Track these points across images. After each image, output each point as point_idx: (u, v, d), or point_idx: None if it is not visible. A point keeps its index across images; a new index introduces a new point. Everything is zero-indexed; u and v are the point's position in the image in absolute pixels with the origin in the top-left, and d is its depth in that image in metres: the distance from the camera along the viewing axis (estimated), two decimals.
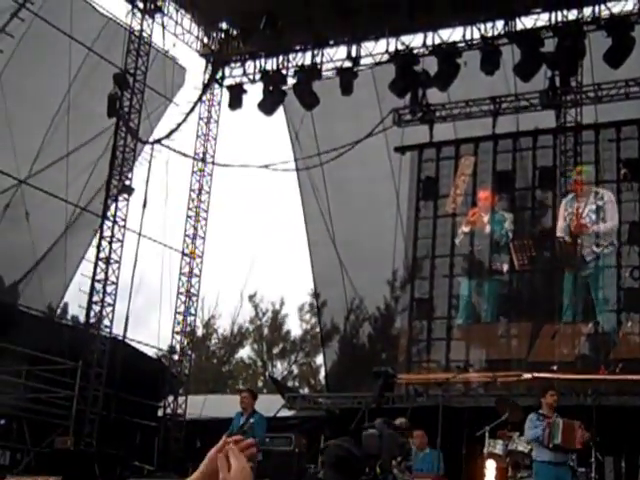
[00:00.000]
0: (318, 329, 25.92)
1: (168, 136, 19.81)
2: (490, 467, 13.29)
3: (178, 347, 20.99)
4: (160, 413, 20.67)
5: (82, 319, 19.06)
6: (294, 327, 38.17)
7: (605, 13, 17.87)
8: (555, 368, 16.92)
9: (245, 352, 38.49)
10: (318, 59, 20.12)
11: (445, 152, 20.07)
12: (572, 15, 18.23)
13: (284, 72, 20.44)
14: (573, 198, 18.46)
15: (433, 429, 13.20)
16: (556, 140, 19.02)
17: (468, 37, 18.86)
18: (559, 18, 18.24)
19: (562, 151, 18.86)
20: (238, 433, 12.39)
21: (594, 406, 12.95)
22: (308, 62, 20.22)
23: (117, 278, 18.83)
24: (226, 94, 21.40)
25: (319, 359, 33.24)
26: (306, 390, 33.23)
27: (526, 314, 18.56)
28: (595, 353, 17.76)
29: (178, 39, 21.38)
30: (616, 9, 17.81)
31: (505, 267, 18.90)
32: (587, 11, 18.05)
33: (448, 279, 19.33)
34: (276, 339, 37.15)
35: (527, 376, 16.44)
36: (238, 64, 21.39)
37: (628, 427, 14.52)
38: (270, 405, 17.89)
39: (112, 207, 19.09)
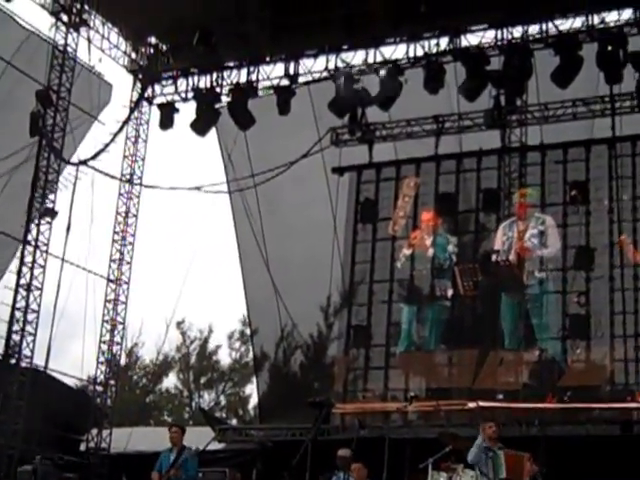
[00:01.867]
0: (247, 358, 25.48)
1: (94, 157, 19.38)
2: None
3: (102, 377, 20.22)
4: (83, 447, 19.84)
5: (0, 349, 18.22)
6: (223, 355, 37.55)
7: (552, 31, 17.75)
8: (501, 397, 16.55)
9: (171, 382, 37.81)
10: (254, 77, 19.75)
11: (385, 173, 19.73)
12: (518, 33, 18.08)
13: (218, 90, 20.00)
14: (513, 222, 18.14)
15: (371, 461, 12.84)
16: (501, 161, 18.81)
17: (411, 54, 18.59)
18: (505, 36, 18.10)
19: (507, 172, 18.64)
20: (170, 470, 12.33)
21: (540, 436, 12.65)
22: (243, 80, 19.84)
23: (39, 306, 18.19)
24: (156, 113, 20.90)
25: (248, 389, 32.84)
26: (234, 421, 32.59)
27: (470, 341, 18.17)
28: (540, 381, 17.41)
29: (105, 54, 20.87)
30: (564, 27, 17.70)
31: (449, 292, 18.54)
32: (534, 29, 17.93)
33: (387, 305, 18.89)
34: (204, 368, 36.41)
35: (472, 405, 16.05)
36: (169, 81, 20.91)
37: (575, 457, 14.17)
38: (197, 438, 17.32)
39: (34, 231, 18.49)
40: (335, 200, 19.60)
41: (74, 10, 19.51)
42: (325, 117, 19.37)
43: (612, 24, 17.45)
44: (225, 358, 36.89)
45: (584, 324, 17.11)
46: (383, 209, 19.50)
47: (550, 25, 17.82)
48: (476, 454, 11.51)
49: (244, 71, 19.81)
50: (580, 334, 17.14)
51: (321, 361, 20.26)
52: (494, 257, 18.27)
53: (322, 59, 19.30)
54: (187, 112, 20.24)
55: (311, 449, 12.79)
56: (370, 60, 18.86)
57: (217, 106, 19.85)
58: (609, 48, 17.01)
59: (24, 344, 17.85)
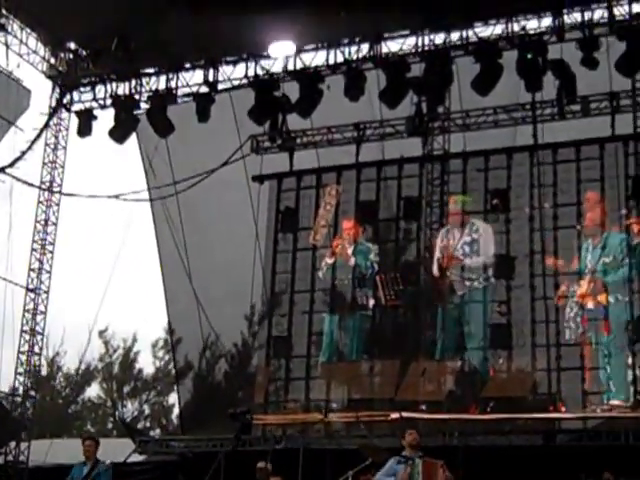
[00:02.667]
0: (171, 366, 25.04)
1: (12, 164, 18.89)
2: None
3: (21, 389, 19.64)
4: (1, 460, 19.24)
5: None
6: (147, 364, 36.97)
7: (473, 38, 17.64)
8: (424, 407, 16.28)
9: (94, 391, 37.10)
10: (173, 83, 19.38)
11: (306, 181, 19.40)
12: (439, 39, 17.95)
13: (137, 97, 19.63)
14: (449, 230, 17.84)
15: (292, 473, 12.54)
16: (422, 169, 18.51)
17: (331, 61, 18.35)
18: (426, 42, 17.95)
19: (428, 180, 18.33)
20: None
21: (461, 446, 12.40)
22: (162, 86, 19.46)
23: None
24: (75, 120, 20.36)
25: (172, 398, 32.33)
26: (158, 431, 32.13)
27: (392, 351, 17.88)
28: (463, 391, 17.15)
29: (23, 59, 20.22)
30: (484, 34, 17.61)
31: (371, 301, 18.23)
32: (455, 36, 17.79)
33: (308, 315, 18.56)
34: (127, 377, 35.79)
35: (394, 416, 15.74)
36: (88, 88, 20.40)
37: (497, 467, 14.00)
38: (121, 449, 16.94)
39: None
40: (256, 209, 19.23)
41: None
42: (247, 124, 19.09)
43: (532, 32, 17.32)
44: (149, 367, 36.52)
45: (505, 334, 16.91)
46: (304, 218, 19.18)
47: (471, 32, 17.66)
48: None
49: (163, 78, 19.45)
50: (502, 344, 16.94)
51: (245, 370, 19.87)
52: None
53: (242, 66, 18.98)
54: (106, 119, 19.88)
55: (230, 461, 12.52)
56: (290, 67, 18.59)
57: (136, 113, 19.48)
58: (529, 56, 16.94)
59: None
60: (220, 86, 19.13)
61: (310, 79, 18.19)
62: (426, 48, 17.89)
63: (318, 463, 13.59)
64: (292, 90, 18.40)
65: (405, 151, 18.82)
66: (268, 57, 18.83)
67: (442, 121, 18.64)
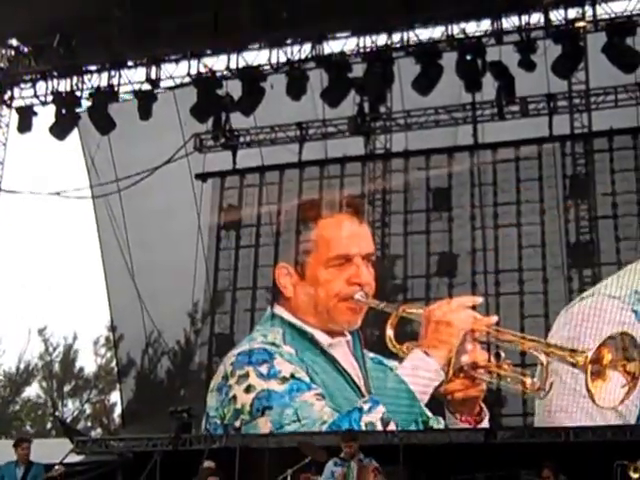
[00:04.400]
0: (113, 364, 24.46)
1: None
2: None
3: None
4: None
5: None
6: (88, 363, 36.02)
7: (414, 40, 17.33)
8: None
9: (33, 390, 35.94)
10: (115, 81, 18.73)
11: (249, 179, 19.02)
12: (381, 41, 17.59)
13: (78, 94, 18.95)
14: None
15: (233, 472, 12.32)
16: (364, 167, 18.35)
17: (274, 60, 17.89)
18: (368, 43, 17.54)
19: (371, 179, 18.21)
20: None
21: (401, 445, 12.23)
22: (104, 84, 18.79)
23: None
24: (15, 116, 19.64)
25: (113, 396, 31.68)
26: (99, 430, 31.41)
27: None
28: None
29: None
30: (424, 36, 17.33)
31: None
32: (396, 37, 17.49)
33: (250, 313, 18.10)
34: (68, 376, 34.96)
35: None
36: (29, 84, 19.63)
37: (437, 465, 13.53)
38: (60, 449, 16.22)
39: None
40: (199, 206, 18.72)
41: None
42: (191, 122, 18.57)
43: (471, 34, 17.07)
44: (90, 365, 35.64)
45: None
46: (246, 216, 18.82)
47: (412, 34, 17.35)
48: None
49: (105, 75, 18.79)
50: None
51: (188, 368, 19.22)
52: None
53: (184, 64, 18.37)
54: (47, 115, 19.28)
55: (169, 459, 11.95)
56: (232, 66, 18.05)
57: (77, 110, 18.85)
58: (468, 57, 16.74)
59: None
60: (163, 84, 18.62)
61: (253, 78, 17.74)
62: (368, 49, 17.51)
63: (257, 462, 13.01)
64: (235, 89, 17.96)
65: (347, 150, 18.58)
66: (211, 55, 18.33)
67: (384, 120, 18.58)
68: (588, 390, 13.06)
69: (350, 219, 15.10)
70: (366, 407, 13.45)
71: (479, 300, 13.74)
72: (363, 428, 12.70)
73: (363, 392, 14.46)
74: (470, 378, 13.43)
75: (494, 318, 13.99)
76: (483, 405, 13.79)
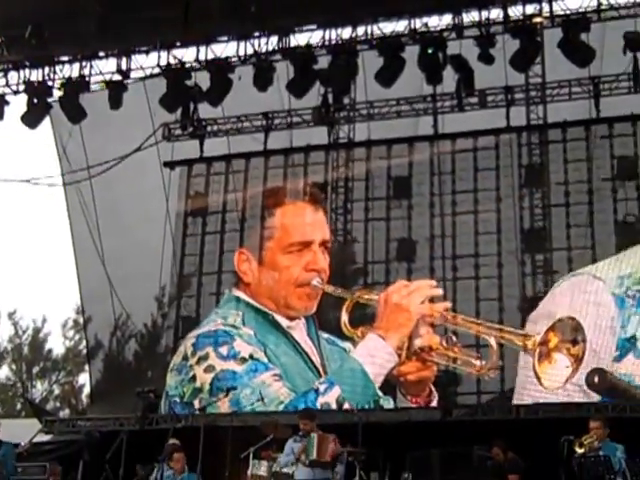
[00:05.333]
0: (81, 346, 24.44)
1: None
2: None
3: None
4: None
5: None
6: (56, 345, 35.85)
7: (378, 33, 17.45)
8: None
9: (3, 373, 35.70)
10: (86, 71, 18.72)
11: (216, 167, 19.00)
12: (346, 34, 17.69)
13: (50, 84, 18.91)
14: None
15: (196, 451, 12.12)
16: (328, 156, 18.39)
17: (242, 52, 17.99)
18: (333, 36, 17.65)
19: (334, 167, 18.29)
20: None
21: (360, 423, 12.17)
22: (75, 74, 18.79)
23: None
24: None
25: (82, 378, 31.64)
26: (67, 411, 31.34)
27: None
28: None
29: None
30: (388, 30, 17.41)
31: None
32: (361, 30, 17.60)
33: (215, 297, 18.06)
34: (37, 358, 34.85)
35: None
36: (1, 74, 19.52)
37: (392, 443, 13.60)
38: (29, 429, 16.22)
39: None
40: (167, 193, 18.75)
41: None
42: (160, 112, 18.59)
43: (433, 29, 17.24)
44: (59, 347, 35.55)
45: None
46: (213, 203, 18.81)
47: (375, 28, 17.48)
48: (285, 460, 11.28)
49: (76, 65, 18.79)
50: None
51: (155, 350, 19.23)
52: None
53: (154, 55, 18.41)
54: (19, 104, 19.20)
55: (134, 439, 11.98)
56: (201, 57, 18.10)
57: (49, 100, 18.80)
58: (430, 51, 16.91)
59: None
60: (133, 74, 18.59)
61: (221, 69, 17.80)
62: (333, 42, 17.64)
63: (221, 440, 13.07)
64: (203, 79, 18.02)
65: (312, 139, 18.68)
66: (180, 47, 18.35)
67: (347, 111, 18.73)
68: (535, 372, 13.49)
69: (309, 207, 15.28)
70: (322, 388, 13.66)
71: (434, 284, 14.21)
72: (319, 408, 12.92)
73: (320, 373, 14.65)
74: (422, 361, 13.80)
75: (448, 303, 14.32)
76: (433, 387, 14.20)
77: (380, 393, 13.94)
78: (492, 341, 13.36)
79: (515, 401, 14.57)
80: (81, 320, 22.44)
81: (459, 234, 16.94)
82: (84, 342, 21.86)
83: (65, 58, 18.84)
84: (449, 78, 17.21)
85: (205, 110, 18.72)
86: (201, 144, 19.18)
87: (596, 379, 13.99)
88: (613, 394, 14.32)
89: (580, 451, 10.26)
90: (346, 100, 18.45)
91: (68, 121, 18.59)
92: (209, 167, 19.02)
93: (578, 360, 13.10)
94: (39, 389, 34.30)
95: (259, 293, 14.76)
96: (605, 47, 16.46)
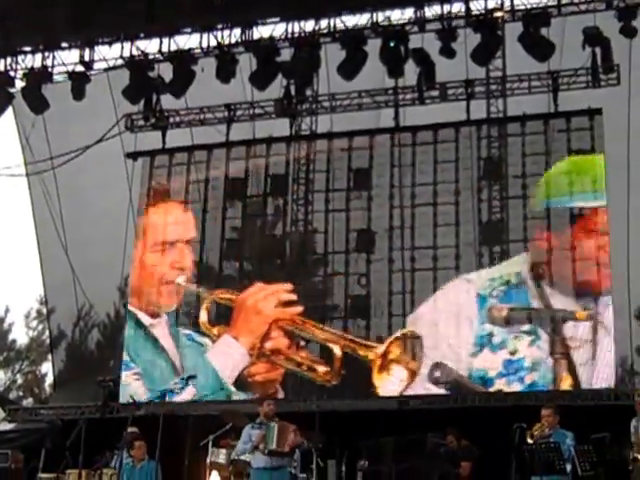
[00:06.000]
0: (45, 336, 24.43)
1: None
2: (213, 477, 12.85)
3: None
4: None
5: None
6: (20, 335, 35.59)
7: (340, 26, 17.41)
8: None
9: None
10: (49, 62, 18.55)
11: (178, 158, 18.96)
12: (309, 26, 17.68)
13: (12, 74, 18.71)
14: None
15: (155, 439, 12.00)
16: (290, 148, 18.42)
17: (205, 44, 17.89)
18: (296, 29, 17.64)
19: (295, 159, 18.32)
20: None
21: (318, 411, 12.21)
22: (38, 64, 18.59)
23: None
24: None
25: (44, 367, 31.61)
26: (30, 400, 31.32)
27: None
28: None
29: None
30: (350, 23, 17.39)
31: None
32: (324, 23, 17.55)
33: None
34: (0, 348, 34.70)
35: None
36: None
37: (354, 431, 13.85)
38: None
39: None
40: (130, 184, 18.78)
41: None
42: (123, 103, 18.55)
43: (395, 22, 17.21)
44: (22, 337, 35.35)
45: (365, 304, 16.87)
46: (175, 194, 18.72)
47: (338, 20, 17.43)
48: (242, 448, 11.46)
49: (39, 56, 18.59)
50: (361, 313, 16.85)
51: (117, 340, 19.24)
52: None
53: (117, 46, 18.29)
54: None
55: (94, 427, 12.05)
56: (164, 49, 18.01)
57: (11, 90, 18.62)
58: (392, 44, 16.91)
59: None
60: (96, 66, 18.42)
61: (184, 61, 17.70)
62: (296, 34, 17.60)
63: (180, 429, 13.18)
64: (166, 71, 17.92)
65: (274, 131, 18.73)
66: (143, 38, 18.26)
67: (310, 103, 18.77)
68: (372, 382, 14.34)
69: (179, 207, 15.77)
70: (177, 388, 14.15)
71: (289, 288, 15.85)
72: None
73: (178, 370, 15.13)
74: (271, 363, 14.74)
75: (299, 308, 15.03)
76: (279, 387, 15.28)
77: (233, 389, 14.52)
78: (336, 349, 14.34)
79: None
80: (44, 310, 22.37)
81: (418, 225, 17.00)
82: (47, 332, 21.83)
83: (28, 48, 18.64)
84: (410, 71, 17.26)
85: (168, 101, 18.66)
86: (163, 135, 19.14)
87: (437, 373, 15.41)
88: (452, 386, 15.46)
89: (531, 442, 10.51)
90: (308, 92, 18.47)
91: (31, 112, 18.44)
92: (171, 158, 18.98)
93: (414, 375, 14.73)
94: (2, 378, 34.13)
95: (130, 292, 15.18)
96: (565, 42, 16.58)
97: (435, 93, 17.99)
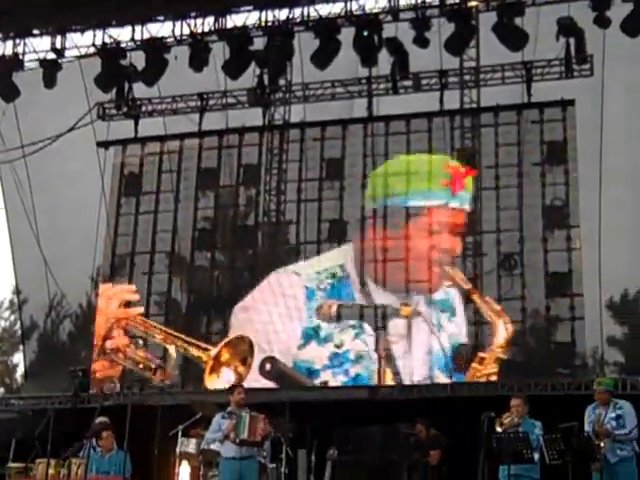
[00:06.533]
0: (17, 327, 24.30)
1: None
2: (183, 466, 12.91)
3: None
4: None
5: None
6: None
7: (314, 15, 17.40)
8: None
9: None
10: (20, 49, 18.50)
11: (150, 148, 18.92)
12: (283, 15, 17.64)
13: None
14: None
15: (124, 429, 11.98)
16: (262, 138, 18.37)
17: (178, 33, 17.87)
18: (269, 17, 17.60)
19: (268, 149, 18.30)
20: None
21: (288, 402, 12.63)
22: (9, 52, 18.55)
23: None
24: None
25: (16, 358, 31.55)
26: (1, 390, 31.23)
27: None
28: None
29: None
30: (324, 11, 17.37)
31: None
32: (297, 12, 17.56)
33: (148, 276, 18.09)
34: None
35: None
36: None
37: (325, 420, 13.88)
38: None
39: None
40: (102, 173, 18.64)
41: None
42: (96, 92, 18.45)
43: (369, 11, 17.17)
44: None
45: None
46: (147, 183, 18.72)
47: (312, 9, 17.42)
48: (211, 436, 11.54)
49: (9, 43, 18.54)
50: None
51: (89, 330, 19.15)
52: None
53: (89, 34, 18.23)
54: None
55: (64, 417, 12.02)
56: (137, 37, 17.99)
57: None
58: (365, 33, 16.88)
59: None
60: (68, 53, 18.41)
61: (156, 49, 17.70)
62: (269, 23, 17.56)
63: (150, 418, 13.15)
64: (139, 59, 17.92)
65: (247, 121, 18.62)
66: (116, 26, 18.21)
67: (283, 92, 18.67)
68: (203, 381, 15.47)
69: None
70: None
71: (133, 289, 16.96)
72: None
73: None
74: (110, 361, 16.20)
75: (140, 309, 16.49)
76: (118, 383, 16.28)
77: None
78: (172, 350, 14.96)
79: None
80: (16, 301, 22.25)
81: (390, 215, 16.93)
82: (19, 323, 21.69)
83: None
84: (384, 61, 17.21)
85: (140, 90, 18.59)
86: (136, 124, 19.05)
87: (267, 366, 15.94)
88: (282, 380, 15.97)
89: (500, 430, 10.56)
90: (282, 82, 18.38)
91: (1, 100, 18.38)
92: (143, 147, 18.94)
93: (241, 379, 15.24)
94: None
95: None
96: (539, 32, 16.55)
97: (409, 83, 17.91)
